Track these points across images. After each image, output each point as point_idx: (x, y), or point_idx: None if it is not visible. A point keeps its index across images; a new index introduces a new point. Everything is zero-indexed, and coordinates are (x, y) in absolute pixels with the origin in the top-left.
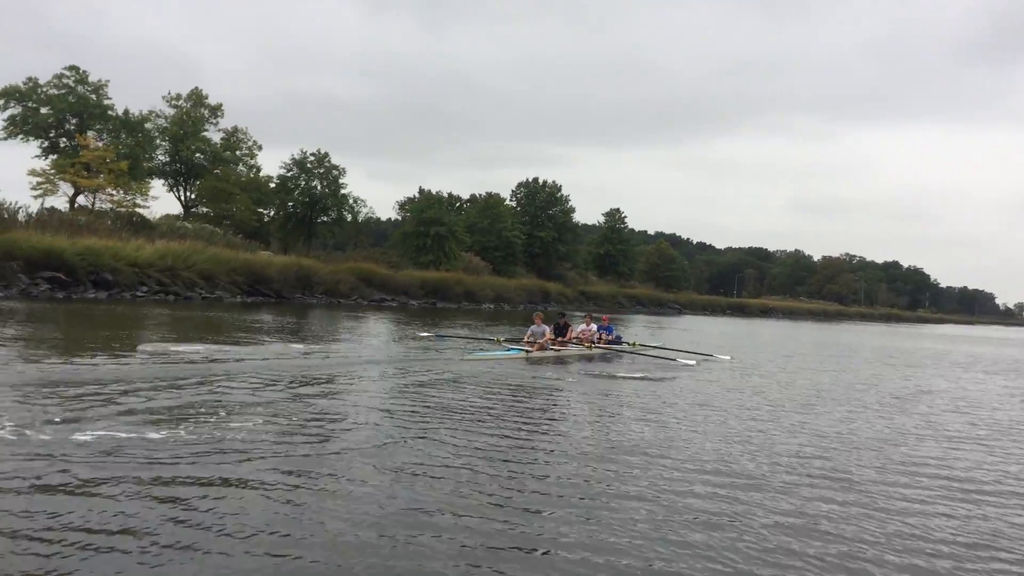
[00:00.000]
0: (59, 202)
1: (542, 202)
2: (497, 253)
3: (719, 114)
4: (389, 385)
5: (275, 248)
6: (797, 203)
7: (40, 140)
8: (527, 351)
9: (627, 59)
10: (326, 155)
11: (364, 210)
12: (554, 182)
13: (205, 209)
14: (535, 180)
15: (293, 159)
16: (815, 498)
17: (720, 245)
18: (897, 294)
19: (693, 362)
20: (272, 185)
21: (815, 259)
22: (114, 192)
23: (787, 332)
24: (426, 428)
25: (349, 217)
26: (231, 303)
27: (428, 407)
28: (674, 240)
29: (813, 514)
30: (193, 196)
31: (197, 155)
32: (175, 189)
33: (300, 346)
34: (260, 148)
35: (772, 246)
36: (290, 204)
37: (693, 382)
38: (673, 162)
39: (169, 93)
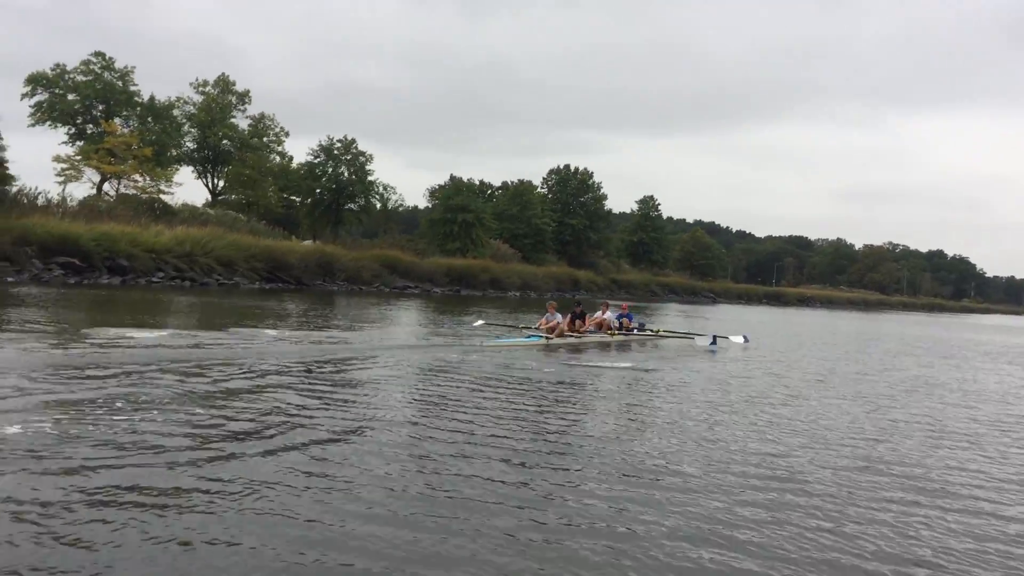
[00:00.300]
0: (83, 189)
1: (573, 189)
2: (526, 240)
3: (762, 101)
4: (409, 372)
5: (303, 236)
6: (840, 191)
7: (67, 127)
8: (547, 338)
9: (668, 46)
10: (353, 141)
11: (394, 197)
12: (585, 169)
13: (233, 196)
14: (566, 167)
15: (320, 145)
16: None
17: (760, 234)
18: (941, 283)
19: (705, 343)
20: (300, 172)
21: (857, 248)
22: (139, 178)
23: (821, 321)
24: (447, 418)
25: (377, 204)
26: (248, 289)
27: (448, 395)
28: (713, 228)
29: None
30: (221, 183)
31: (224, 142)
32: (203, 176)
33: (315, 333)
34: (287, 135)
35: (814, 235)
36: (317, 191)
37: (706, 366)
38: (715, 150)
39: (196, 79)
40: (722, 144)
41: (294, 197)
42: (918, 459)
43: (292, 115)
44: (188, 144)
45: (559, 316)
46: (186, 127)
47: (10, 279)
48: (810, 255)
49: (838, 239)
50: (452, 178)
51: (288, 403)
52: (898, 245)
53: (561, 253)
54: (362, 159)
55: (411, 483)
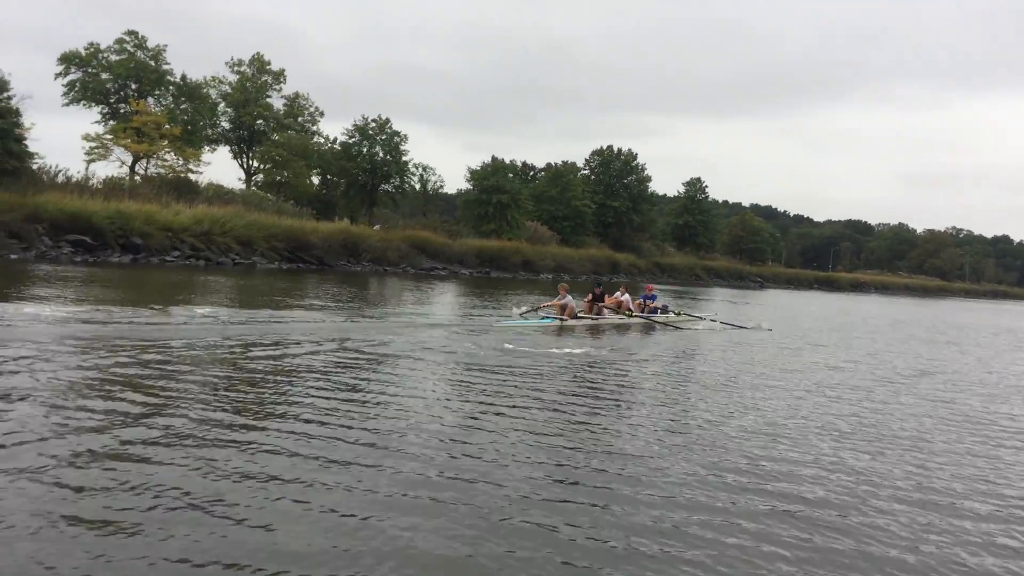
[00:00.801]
0: (110, 168)
1: (616, 171)
2: (565, 223)
3: (822, 83)
4: (419, 354)
5: (340, 217)
6: (903, 175)
7: (101, 107)
8: (561, 319)
9: (729, 27)
10: (387, 121)
11: (433, 179)
12: (630, 150)
13: (262, 177)
14: (609, 148)
15: (355, 125)
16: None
17: (819, 218)
18: (1006, 270)
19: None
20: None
21: (918, 232)
22: (168, 158)
23: (864, 307)
24: (458, 399)
25: (417, 185)
26: (266, 269)
27: (457, 377)
28: (769, 212)
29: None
30: (255, 163)
31: (259, 121)
32: (239, 157)
33: (314, 313)
34: (322, 115)
35: (875, 219)
36: (353, 172)
37: (721, 351)
38: (775, 133)
39: (232, 59)
40: (781, 127)
41: (329, 176)
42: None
43: (347, 98)
44: (223, 124)
45: (570, 297)
46: (221, 107)
47: (13, 256)
48: (868, 240)
49: (900, 224)
50: (494, 159)
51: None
52: (962, 230)
53: (603, 236)
54: (397, 139)
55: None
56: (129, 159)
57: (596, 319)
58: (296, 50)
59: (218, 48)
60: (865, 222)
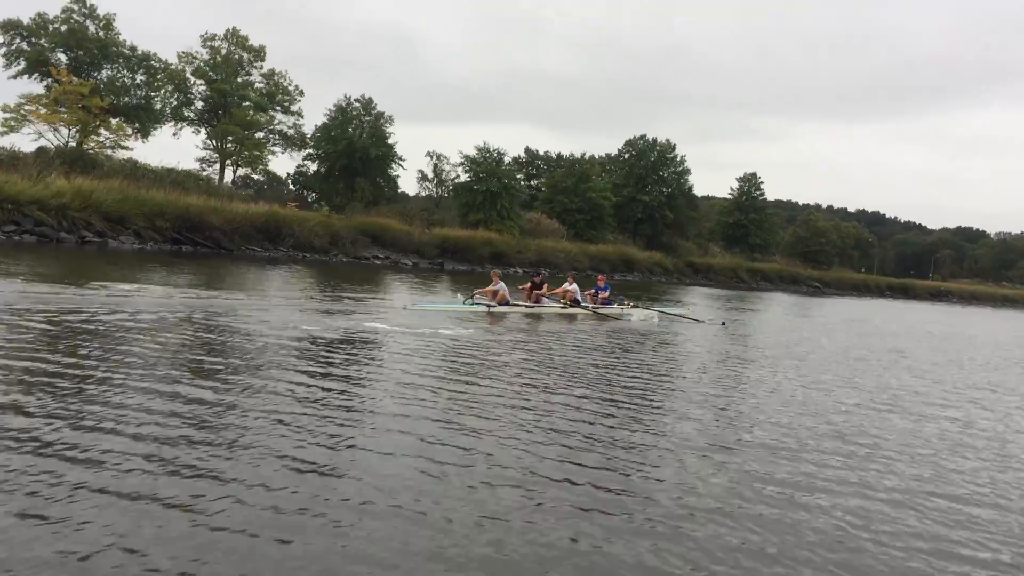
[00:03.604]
0: (24, 141)
1: (652, 163)
2: (580, 216)
3: (962, 83)
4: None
5: (319, 204)
6: None
7: (48, 79)
8: (489, 306)
9: (860, 24)
10: (371, 101)
11: (447, 168)
12: (667, 140)
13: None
14: (643, 137)
15: (337, 106)
16: None
17: (936, 226)
18: None
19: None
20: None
21: None
22: (102, 132)
23: (906, 316)
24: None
25: (400, 172)
26: (130, 250)
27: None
28: (876, 219)
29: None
30: (212, 141)
31: (230, 100)
32: (213, 138)
33: None
34: (302, 94)
35: (997, 228)
36: (332, 155)
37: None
38: (906, 136)
39: (206, 33)
40: (915, 131)
41: (308, 163)
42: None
43: (469, 100)
44: (198, 103)
45: (503, 284)
46: (193, 83)
47: None
48: (973, 248)
49: (1022, 233)
50: (485, 144)
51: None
52: None
53: (634, 232)
54: (381, 121)
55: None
56: (47, 130)
57: (530, 307)
58: (415, 53)
59: (344, 53)
60: (978, 229)
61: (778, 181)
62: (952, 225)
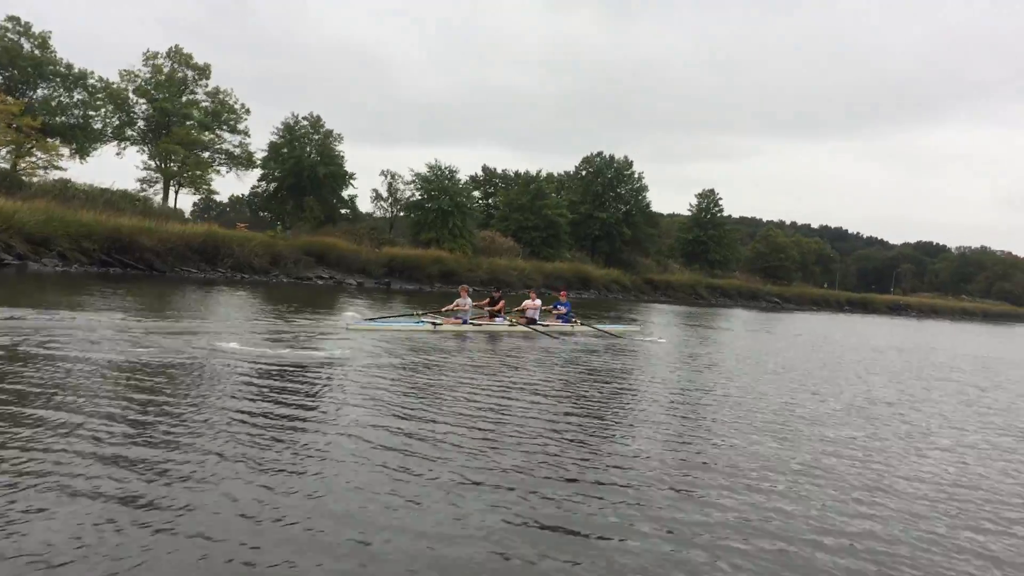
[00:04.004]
0: None
1: (609, 180)
2: (536, 234)
3: (923, 101)
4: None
5: (268, 225)
6: (1009, 198)
7: None
8: (434, 323)
9: (821, 43)
10: (319, 119)
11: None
12: (625, 157)
13: (156, 174)
14: (600, 154)
15: (284, 124)
16: None
17: (898, 240)
18: None
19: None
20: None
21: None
22: (37, 153)
23: (843, 328)
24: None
25: (353, 192)
26: (52, 273)
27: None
28: (839, 234)
29: None
30: (154, 161)
31: (174, 119)
32: (156, 158)
33: None
34: (248, 112)
35: (962, 243)
36: (278, 174)
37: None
38: (868, 154)
39: (148, 51)
40: (876, 148)
41: (259, 182)
42: None
43: (437, 121)
44: (140, 122)
45: (469, 300)
46: (134, 102)
47: None
48: (933, 262)
49: (981, 247)
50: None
51: None
52: None
53: (592, 250)
54: (331, 140)
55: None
56: None
57: (480, 325)
58: (383, 73)
59: (310, 73)
60: (938, 244)
61: (743, 198)
62: (913, 240)
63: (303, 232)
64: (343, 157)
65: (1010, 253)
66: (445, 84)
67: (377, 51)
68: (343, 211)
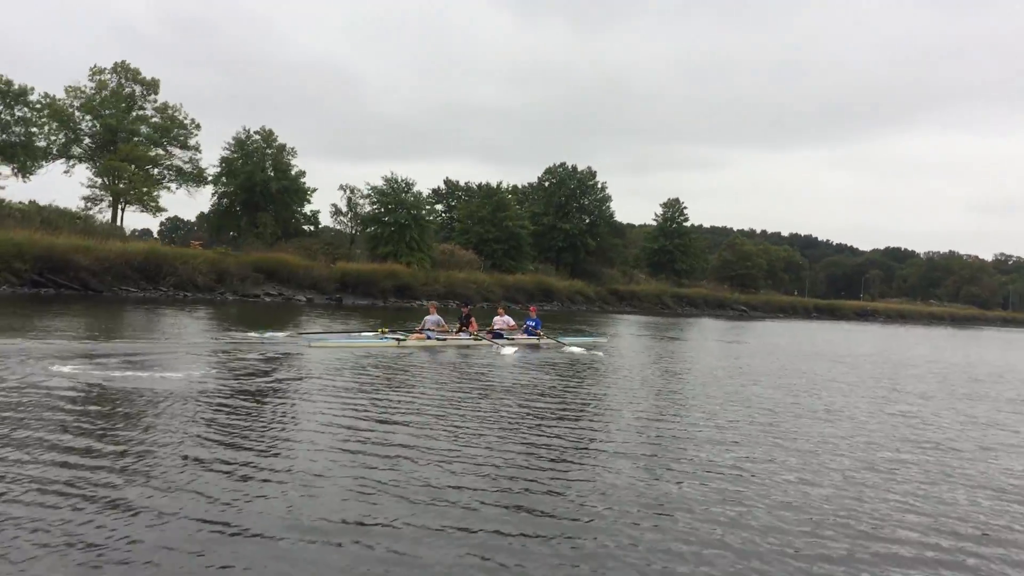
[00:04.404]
0: None
1: (572, 191)
2: (497, 246)
3: (891, 109)
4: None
5: (223, 241)
6: (975, 202)
7: None
8: (399, 339)
9: (790, 53)
10: (271, 133)
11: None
12: (588, 168)
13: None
14: (563, 165)
15: (236, 139)
16: None
17: (867, 247)
18: None
19: (580, 350)
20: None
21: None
22: None
23: (804, 335)
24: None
25: (307, 208)
26: None
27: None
28: (809, 242)
29: None
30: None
31: (122, 135)
32: (100, 175)
33: None
34: (199, 128)
35: (929, 248)
36: (231, 189)
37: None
38: (838, 162)
39: (95, 66)
40: (846, 156)
41: (212, 199)
42: None
43: (410, 137)
44: (86, 140)
45: (438, 317)
46: (80, 118)
47: None
48: (901, 268)
49: (949, 252)
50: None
51: None
52: (1011, 257)
53: (556, 261)
54: (284, 154)
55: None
56: None
57: (446, 341)
58: (355, 91)
59: (282, 91)
60: (907, 249)
61: (715, 208)
62: (883, 246)
63: (257, 248)
64: (299, 172)
65: (977, 257)
66: (415, 99)
67: (346, 68)
68: (306, 227)
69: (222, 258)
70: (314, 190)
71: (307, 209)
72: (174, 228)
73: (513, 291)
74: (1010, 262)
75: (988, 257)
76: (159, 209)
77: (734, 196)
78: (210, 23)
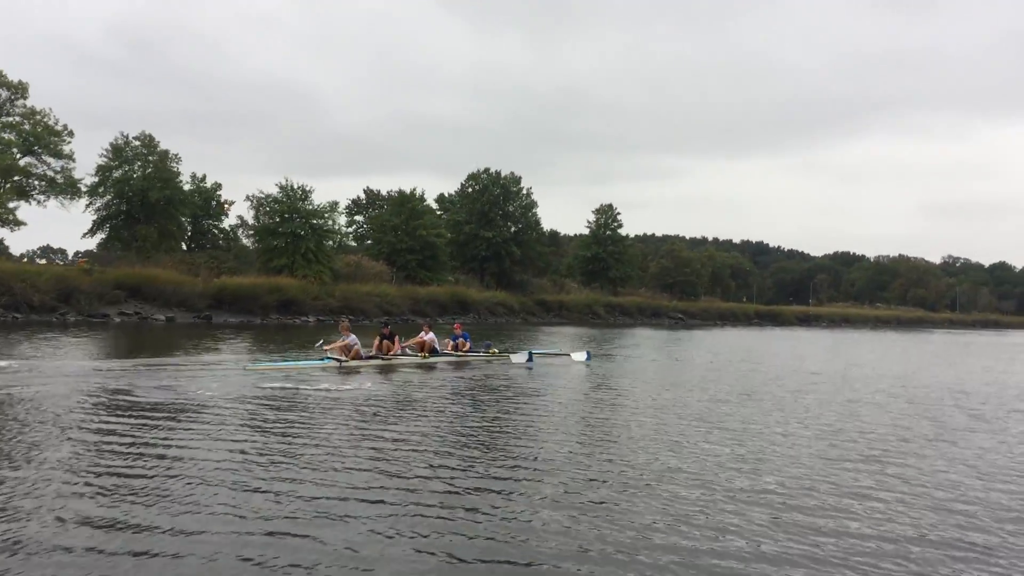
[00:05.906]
0: None
1: (496, 197)
2: (411, 256)
3: (845, 115)
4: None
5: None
6: (927, 206)
7: None
8: (340, 360)
9: (745, 61)
10: (151, 138)
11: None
12: (512, 173)
13: None
14: (487, 171)
15: (112, 145)
16: None
17: (819, 252)
18: (1000, 298)
19: (522, 359)
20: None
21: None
22: None
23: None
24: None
25: (188, 218)
26: None
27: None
28: (760, 248)
29: None
30: None
31: None
32: None
33: None
34: (72, 135)
35: (883, 251)
36: (108, 199)
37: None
38: (790, 169)
39: None
40: (798, 163)
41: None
42: None
43: (367, 150)
44: None
45: (353, 336)
46: None
47: None
48: (850, 272)
49: (899, 255)
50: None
51: None
52: (958, 259)
53: (481, 271)
54: (168, 161)
55: None
56: None
57: (387, 359)
58: (311, 104)
59: (239, 109)
60: (856, 254)
61: (667, 217)
62: (832, 251)
63: (138, 264)
64: (215, 184)
65: (924, 260)
66: (372, 114)
67: (302, 85)
68: (221, 240)
69: (73, 275)
70: (231, 203)
71: (227, 224)
72: (44, 254)
73: (424, 304)
74: (958, 264)
75: (936, 260)
76: (18, 223)
77: (688, 204)
78: (158, 47)
